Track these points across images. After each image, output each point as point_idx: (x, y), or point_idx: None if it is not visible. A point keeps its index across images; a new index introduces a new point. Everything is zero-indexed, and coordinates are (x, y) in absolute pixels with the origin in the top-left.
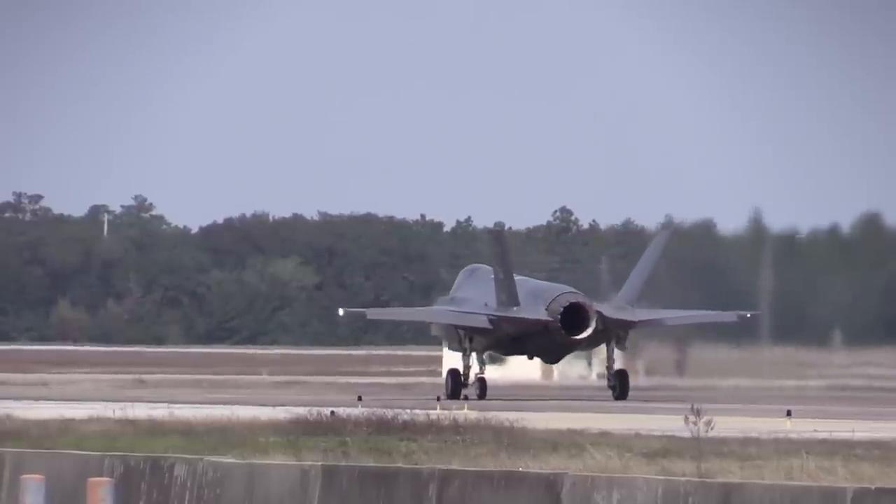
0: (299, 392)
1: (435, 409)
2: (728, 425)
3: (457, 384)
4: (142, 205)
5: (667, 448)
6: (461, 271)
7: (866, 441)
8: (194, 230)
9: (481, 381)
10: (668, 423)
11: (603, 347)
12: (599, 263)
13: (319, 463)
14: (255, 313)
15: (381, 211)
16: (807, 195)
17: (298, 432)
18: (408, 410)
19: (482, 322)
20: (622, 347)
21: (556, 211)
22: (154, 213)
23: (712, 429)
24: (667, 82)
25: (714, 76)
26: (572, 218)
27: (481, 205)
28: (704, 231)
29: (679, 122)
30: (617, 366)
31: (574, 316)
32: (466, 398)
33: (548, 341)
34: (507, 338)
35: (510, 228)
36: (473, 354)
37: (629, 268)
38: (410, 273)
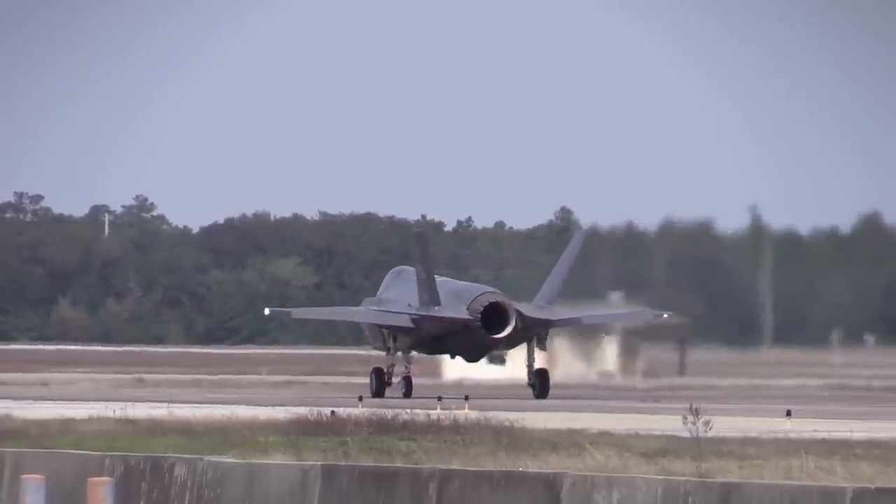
0: (299, 392)
1: (435, 408)
2: (727, 425)
3: (381, 382)
4: (142, 205)
5: (666, 448)
6: (388, 273)
7: (866, 441)
8: (195, 230)
9: (407, 380)
10: (667, 423)
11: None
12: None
13: (319, 463)
14: (255, 313)
15: (381, 211)
16: (806, 195)
17: (298, 432)
18: (408, 410)
19: (405, 321)
20: (542, 347)
21: (556, 211)
22: (154, 213)
23: (711, 429)
24: (666, 82)
25: (714, 76)
26: (572, 218)
27: (481, 205)
28: (703, 231)
29: (678, 121)
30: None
31: (494, 315)
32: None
33: (468, 340)
34: (429, 337)
35: (511, 228)
36: (399, 353)
37: (629, 268)
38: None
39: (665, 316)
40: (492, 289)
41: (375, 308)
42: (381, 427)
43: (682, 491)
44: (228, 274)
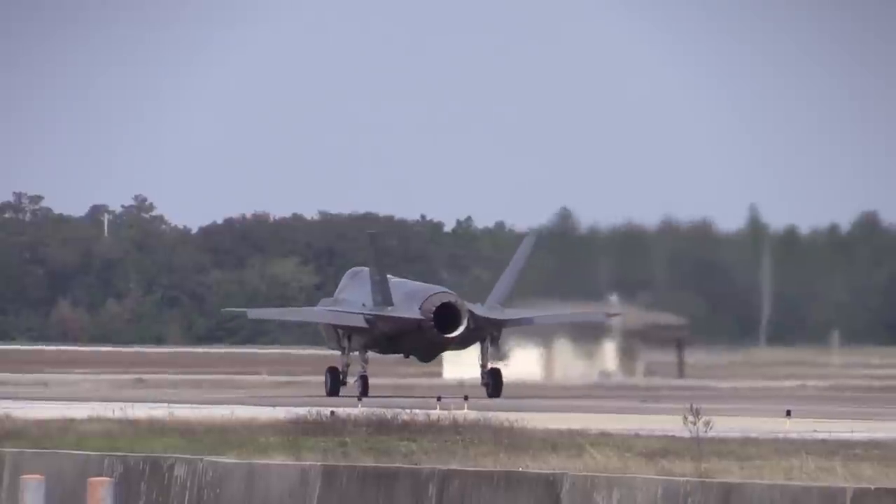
0: (299, 392)
1: (434, 409)
2: (727, 425)
3: (335, 382)
4: (142, 205)
5: (666, 448)
6: (345, 273)
7: (866, 441)
8: (194, 230)
9: (363, 379)
10: (667, 423)
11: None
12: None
13: (319, 463)
14: None
15: (381, 211)
16: (806, 194)
17: (298, 432)
18: (407, 410)
19: (359, 321)
20: (496, 346)
21: (556, 211)
22: (154, 213)
23: (711, 429)
24: (666, 81)
25: (713, 75)
26: (572, 218)
27: (481, 205)
28: (703, 230)
29: (678, 121)
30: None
31: (446, 315)
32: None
33: (421, 340)
34: (383, 336)
35: (511, 229)
36: (356, 353)
37: (628, 268)
38: (410, 273)
39: (616, 315)
40: (445, 289)
41: (330, 308)
42: (381, 427)
43: (682, 491)
44: (228, 274)
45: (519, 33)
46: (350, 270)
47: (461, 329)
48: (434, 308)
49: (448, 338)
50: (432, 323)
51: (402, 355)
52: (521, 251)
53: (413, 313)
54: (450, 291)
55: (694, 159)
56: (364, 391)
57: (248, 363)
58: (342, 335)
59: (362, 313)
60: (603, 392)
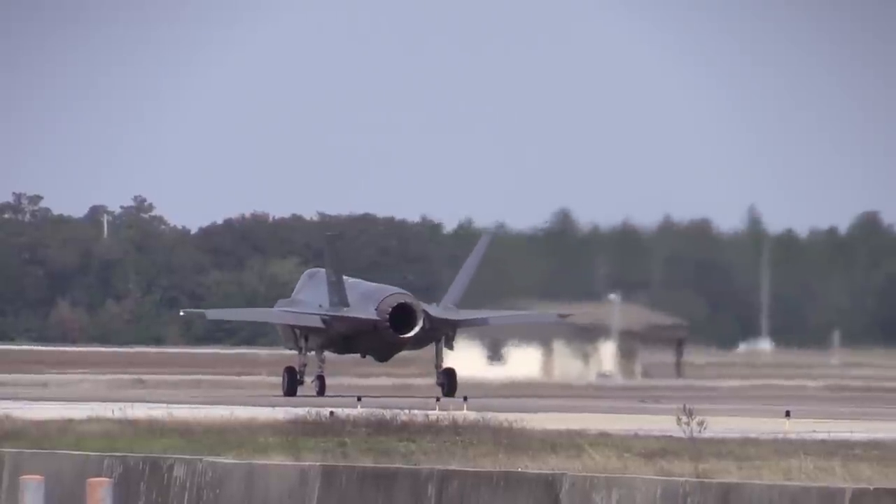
0: (298, 392)
1: (433, 409)
2: (727, 426)
3: (293, 381)
4: (141, 205)
5: (665, 448)
6: (303, 274)
7: (865, 441)
8: (193, 231)
9: (320, 379)
10: (666, 423)
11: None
12: None
13: (318, 463)
14: None
15: (380, 211)
16: (804, 195)
17: (297, 433)
18: (406, 411)
19: (315, 322)
20: (450, 346)
21: (555, 211)
22: (153, 213)
23: (705, 428)
24: (665, 82)
25: (712, 76)
26: (571, 218)
27: (481, 205)
28: (702, 231)
29: (677, 121)
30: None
31: (402, 316)
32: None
33: (377, 340)
34: (339, 337)
35: (511, 229)
36: (313, 353)
37: (627, 268)
38: (410, 274)
39: (569, 316)
40: (400, 290)
41: (288, 309)
42: (380, 428)
43: (681, 491)
44: (227, 275)
45: (519, 33)
46: (307, 271)
47: (417, 329)
48: (390, 309)
49: (404, 338)
50: (388, 323)
51: (358, 355)
52: (477, 252)
53: (369, 314)
54: (405, 292)
55: (693, 159)
56: (321, 390)
57: (247, 364)
58: (299, 335)
59: (319, 314)
60: (602, 392)
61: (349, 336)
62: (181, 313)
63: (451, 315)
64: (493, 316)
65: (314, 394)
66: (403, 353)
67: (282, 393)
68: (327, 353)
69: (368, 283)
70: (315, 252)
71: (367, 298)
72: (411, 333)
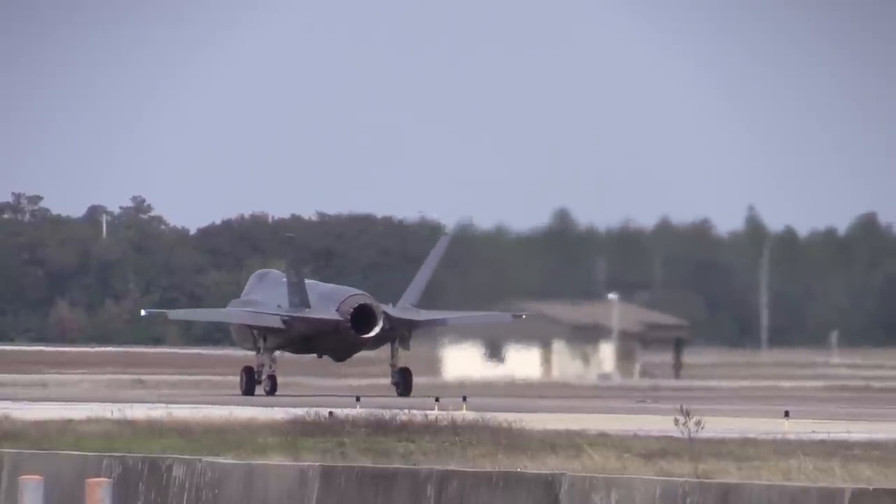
0: (297, 393)
1: (433, 409)
2: (726, 426)
3: (251, 381)
4: (140, 206)
5: (664, 449)
6: (252, 275)
7: (864, 442)
8: (192, 231)
9: (271, 379)
10: (665, 423)
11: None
12: None
13: (318, 463)
14: None
15: (380, 211)
16: (804, 196)
17: (296, 433)
18: (405, 411)
19: (276, 322)
20: (406, 346)
21: (554, 211)
22: (152, 214)
23: (702, 428)
24: (664, 82)
25: (712, 76)
26: (571, 218)
27: (481, 205)
28: (701, 231)
29: (676, 121)
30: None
31: (362, 316)
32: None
33: (338, 340)
34: (299, 337)
35: (510, 229)
36: (268, 353)
37: (626, 268)
38: (410, 274)
39: (523, 316)
40: (360, 291)
41: (248, 309)
42: (379, 428)
43: (680, 492)
44: (226, 275)
45: (518, 33)
46: (257, 272)
47: (377, 329)
48: (351, 309)
49: (364, 338)
50: (350, 324)
51: (315, 355)
52: (436, 252)
53: (331, 314)
54: (364, 293)
55: (692, 160)
56: (272, 390)
57: (246, 364)
58: (257, 336)
59: (279, 314)
60: (601, 392)
61: (309, 336)
62: (142, 313)
63: (410, 315)
64: (452, 316)
65: (265, 392)
66: (361, 354)
67: (240, 392)
68: (279, 353)
69: (325, 284)
70: (314, 252)
71: (326, 299)
72: (372, 334)
